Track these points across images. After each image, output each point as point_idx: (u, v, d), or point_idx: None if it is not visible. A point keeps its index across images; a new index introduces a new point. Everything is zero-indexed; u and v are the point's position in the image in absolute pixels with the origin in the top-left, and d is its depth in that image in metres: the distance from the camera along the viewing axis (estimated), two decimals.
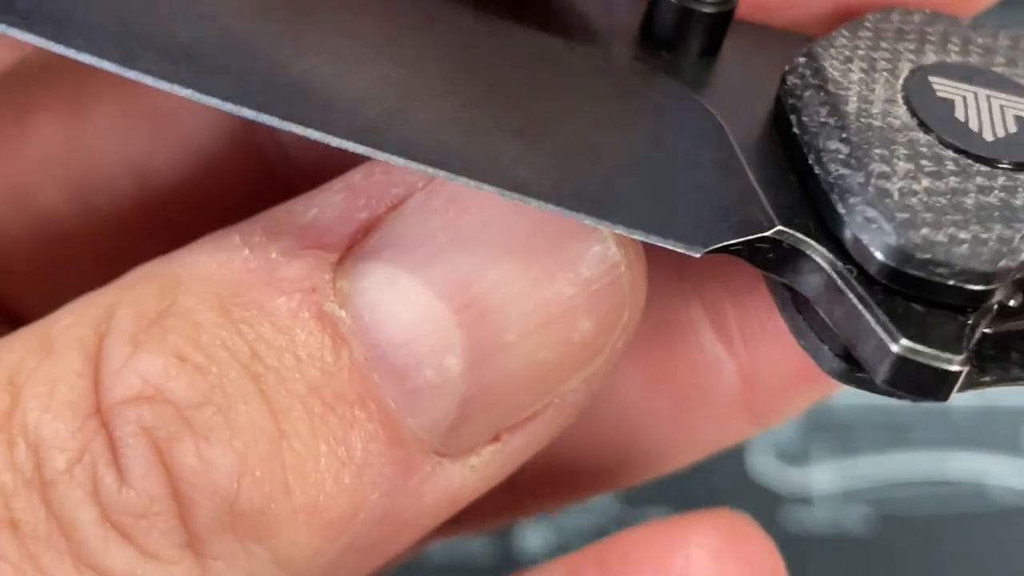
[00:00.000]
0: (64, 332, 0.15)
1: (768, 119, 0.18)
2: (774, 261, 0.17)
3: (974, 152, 0.18)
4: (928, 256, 0.16)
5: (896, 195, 0.17)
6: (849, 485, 0.47)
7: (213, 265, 0.15)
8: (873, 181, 0.17)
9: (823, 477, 0.47)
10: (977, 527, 0.46)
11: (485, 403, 0.15)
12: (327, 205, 0.15)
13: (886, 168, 0.17)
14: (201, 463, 0.14)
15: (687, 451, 0.22)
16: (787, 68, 0.18)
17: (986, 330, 0.17)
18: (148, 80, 0.15)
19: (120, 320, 0.15)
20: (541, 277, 0.15)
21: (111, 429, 0.14)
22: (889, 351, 0.16)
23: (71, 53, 0.15)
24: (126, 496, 0.14)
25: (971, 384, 0.17)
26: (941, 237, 0.16)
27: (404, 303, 0.15)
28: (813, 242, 0.17)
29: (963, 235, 0.17)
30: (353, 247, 0.15)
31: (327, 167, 0.20)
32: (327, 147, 0.19)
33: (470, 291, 0.15)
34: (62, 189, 0.20)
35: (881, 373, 0.16)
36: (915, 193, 0.17)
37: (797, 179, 0.17)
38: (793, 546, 0.46)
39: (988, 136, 0.18)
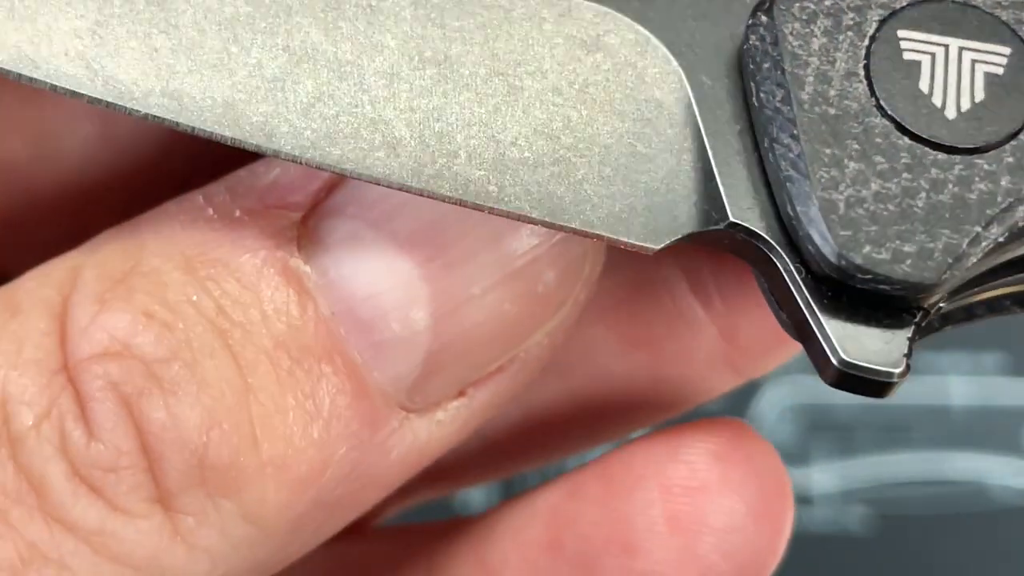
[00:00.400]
0: (29, 294, 0.15)
1: (732, 67, 0.17)
2: (732, 249, 0.17)
3: (932, 138, 0.17)
4: (869, 276, 0.16)
5: (842, 208, 0.16)
6: (849, 485, 0.47)
7: (177, 226, 0.15)
8: (819, 192, 0.16)
9: (823, 477, 0.47)
10: (977, 527, 0.46)
11: (451, 357, 0.15)
12: (290, 165, 0.15)
13: (835, 174, 0.17)
14: (169, 417, 0.14)
15: (667, 407, 0.22)
16: (749, 20, 0.17)
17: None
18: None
19: (85, 281, 0.15)
20: (504, 229, 0.14)
21: (78, 385, 0.14)
22: (831, 363, 0.17)
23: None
24: (95, 450, 0.14)
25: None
26: (884, 255, 0.16)
27: (369, 258, 0.14)
28: (766, 237, 0.17)
29: (908, 248, 0.16)
30: (317, 205, 0.15)
31: None
32: None
33: (434, 244, 0.15)
34: (25, 144, 0.20)
35: (825, 377, 0.17)
36: (862, 202, 0.17)
37: (756, 152, 0.17)
38: (793, 545, 0.46)
39: (951, 112, 0.17)
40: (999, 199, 0.17)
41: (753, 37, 0.17)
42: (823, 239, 0.16)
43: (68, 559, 0.14)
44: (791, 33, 0.17)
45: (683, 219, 0.16)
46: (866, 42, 0.17)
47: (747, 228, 0.17)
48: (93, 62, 0.14)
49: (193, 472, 0.14)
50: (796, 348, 0.22)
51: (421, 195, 0.14)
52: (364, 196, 0.15)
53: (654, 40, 0.17)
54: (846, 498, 0.46)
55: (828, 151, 0.17)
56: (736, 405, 0.46)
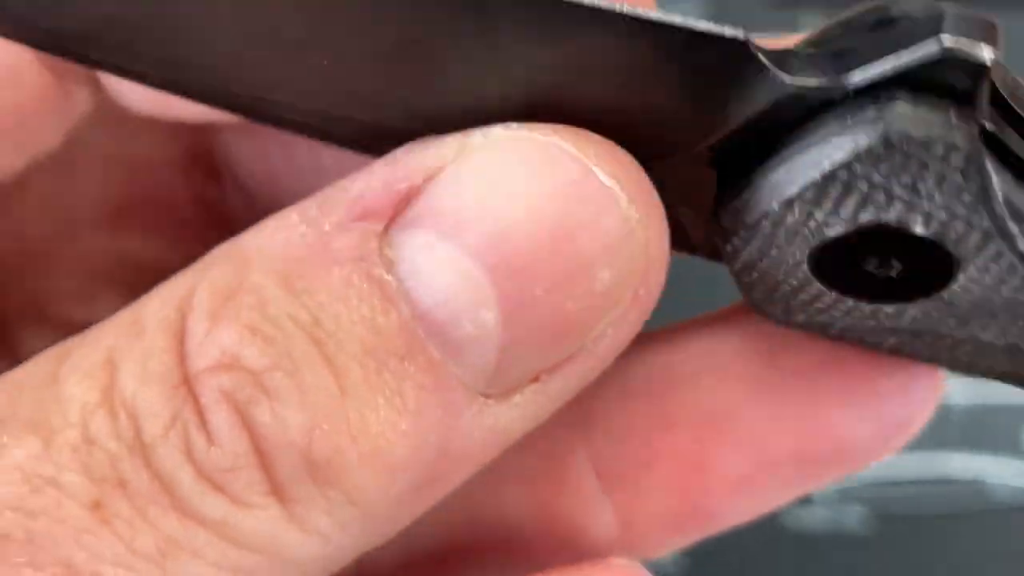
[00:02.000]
0: (152, 315, 0.17)
1: None
2: None
3: None
4: None
5: None
6: (848, 483, 0.47)
7: (276, 242, 0.17)
8: None
9: None
10: (976, 526, 0.46)
11: (521, 351, 0.17)
12: (372, 179, 0.17)
13: None
14: (276, 421, 0.17)
15: (554, 553, 0.24)
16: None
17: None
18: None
19: (200, 299, 0.17)
20: (561, 236, 0.17)
21: (198, 396, 0.17)
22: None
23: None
24: (215, 454, 0.16)
25: None
26: None
27: (441, 265, 0.17)
28: None
29: None
30: (395, 217, 0.17)
31: (278, 184, 0.23)
32: (279, 164, 0.22)
33: (500, 252, 0.17)
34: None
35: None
36: None
37: None
38: (792, 544, 0.46)
39: None
40: None
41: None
42: None
43: (200, 548, 0.16)
44: None
45: None
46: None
47: None
48: None
49: (300, 467, 0.16)
50: (688, 537, 0.24)
51: None
52: (436, 208, 0.17)
53: None
54: (845, 497, 0.46)
55: None
56: None
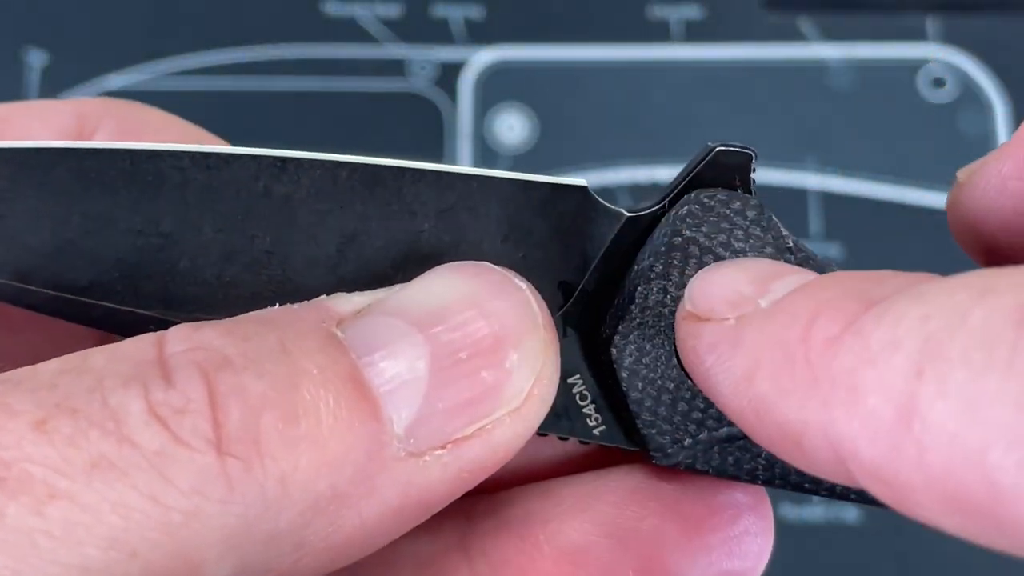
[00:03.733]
0: (128, 341, 0.20)
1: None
2: None
3: None
4: None
5: None
6: None
7: (252, 315, 0.21)
8: None
9: None
10: None
11: (440, 406, 0.20)
12: (331, 298, 0.21)
13: None
14: (236, 383, 0.19)
15: None
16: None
17: None
18: None
19: (179, 328, 0.20)
20: (485, 320, 0.21)
21: (166, 362, 0.19)
22: None
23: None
24: (170, 395, 0.18)
25: None
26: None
27: (385, 327, 0.20)
28: None
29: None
30: (352, 316, 0.21)
31: None
32: None
33: (435, 322, 0.20)
34: None
35: None
36: None
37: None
38: (791, 536, 0.47)
39: None
40: None
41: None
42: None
43: (129, 470, 0.17)
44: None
45: None
46: None
47: None
48: None
49: (249, 427, 0.18)
50: None
51: None
52: (385, 307, 0.21)
53: None
54: None
55: None
56: None
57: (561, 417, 0.23)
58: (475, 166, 0.50)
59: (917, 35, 0.53)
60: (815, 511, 0.47)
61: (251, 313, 0.21)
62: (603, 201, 0.23)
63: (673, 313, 0.22)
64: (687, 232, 0.23)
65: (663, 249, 0.23)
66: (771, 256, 0.22)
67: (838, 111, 0.52)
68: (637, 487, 0.24)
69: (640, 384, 0.23)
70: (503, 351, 0.21)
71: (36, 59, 0.51)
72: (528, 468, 0.26)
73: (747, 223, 0.23)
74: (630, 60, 0.52)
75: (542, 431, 0.23)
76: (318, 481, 0.19)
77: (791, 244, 0.23)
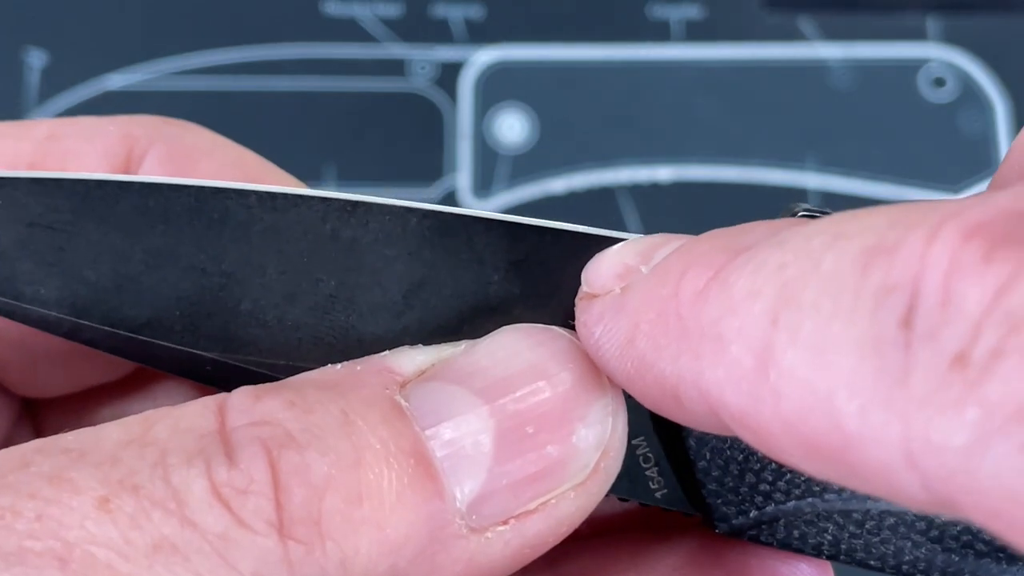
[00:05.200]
0: (192, 402, 0.19)
1: None
2: None
3: None
4: None
5: None
6: None
7: (314, 374, 0.20)
8: None
9: None
10: None
11: (504, 481, 0.20)
12: (395, 354, 0.21)
13: None
14: (301, 461, 0.18)
15: None
16: None
17: None
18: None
19: (242, 392, 0.19)
20: (555, 392, 0.20)
21: (229, 438, 0.18)
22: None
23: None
24: (233, 475, 0.18)
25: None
26: None
27: (450, 397, 0.20)
28: None
29: None
30: (415, 379, 0.20)
31: None
32: None
33: (501, 393, 0.20)
34: None
35: None
36: None
37: None
38: None
39: None
40: None
41: None
42: None
43: (191, 554, 0.17)
44: None
45: None
46: None
47: None
48: None
49: (312, 509, 0.18)
50: None
51: None
52: (449, 370, 0.20)
53: None
54: None
55: None
56: None
57: (623, 478, 0.22)
58: (475, 165, 0.50)
59: (917, 35, 0.53)
60: None
61: (313, 375, 0.20)
62: None
63: None
64: None
65: None
66: None
67: (838, 111, 0.51)
68: (697, 553, 0.24)
69: (708, 453, 0.22)
70: (570, 424, 0.20)
71: (36, 59, 0.51)
72: (588, 519, 0.26)
73: None
74: (630, 60, 0.52)
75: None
76: (379, 563, 0.18)
77: None
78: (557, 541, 0.21)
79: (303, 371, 0.21)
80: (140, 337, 0.22)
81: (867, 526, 0.22)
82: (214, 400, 0.19)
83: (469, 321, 0.22)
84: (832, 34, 0.53)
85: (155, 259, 0.22)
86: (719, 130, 0.51)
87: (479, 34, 0.52)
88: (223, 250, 0.22)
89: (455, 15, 0.53)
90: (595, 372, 0.20)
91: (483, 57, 0.52)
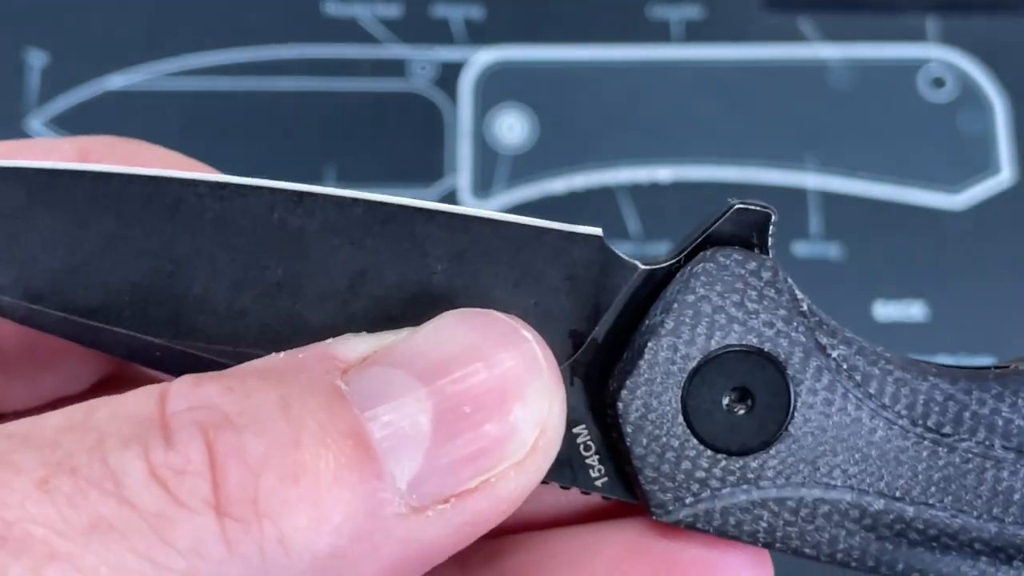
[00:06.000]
0: (135, 391, 0.20)
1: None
2: None
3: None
4: None
5: None
6: None
7: (256, 362, 0.21)
8: None
9: None
10: None
11: (442, 461, 0.20)
12: (338, 342, 0.21)
13: None
14: (237, 443, 0.19)
15: None
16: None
17: None
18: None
19: (182, 378, 0.20)
20: (490, 372, 0.21)
21: (168, 423, 0.19)
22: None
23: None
24: (170, 456, 0.18)
25: None
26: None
27: (390, 380, 0.20)
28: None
29: None
30: (357, 365, 0.21)
31: None
32: None
33: (440, 375, 0.20)
34: None
35: None
36: None
37: None
38: None
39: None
40: None
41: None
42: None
43: (128, 532, 0.18)
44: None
45: None
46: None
47: None
48: None
49: (248, 489, 0.18)
50: None
51: None
52: (392, 355, 0.21)
53: None
54: None
55: None
56: None
57: (564, 466, 0.23)
58: (475, 165, 0.50)
59: (917, 35, 0.53)
60: None
61: (256, 363, 0.21)
62: (618, 252, 0.23)
63: (682, 371, 0.22)
64: (700, 290, 0.22)
65: (675, 306, 0.23)
66: (784, 319, 0.22)
67: (838, 111, 0.52)
68: (634, 544, 0.24)
69: (645, 440, 0.23)
70: (508, 404, 0.21)
71: (36, 59, 0.51)
72: (529, 515, 0.26)
73: (761, 284, 0.23)
74: (630, 60, 0.52)
75: (545, 480, 0.22)
76: (317, 541, 0.19)
77: (805, 308, 0.23)
78: (499, 520, 0.21)
79: (250, 358, 0.21)
80: (91, 322, 0.22)
81: (801, 514, 0.23)
82: (156, 388, 0.19)
83: (413, 309, 0.22)
84: (832, 34, 0.53)
85: (107, 246, 0.22)
86: (719, 130, 0.51)
87: (479, 34, 0.53)
88: (173, 238, 0.22)
89: (455, 15, 0.53)
90: (533, 357, 0.21)
91: (483, 57, 0.52)
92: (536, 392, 0.21)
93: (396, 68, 0.51)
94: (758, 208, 0.23)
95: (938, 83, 0.52)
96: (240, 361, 0.21)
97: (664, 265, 0.23)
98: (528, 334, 0.21)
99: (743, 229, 0.23)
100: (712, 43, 0.53)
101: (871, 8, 0.53)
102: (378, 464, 0.19)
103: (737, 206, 0.23)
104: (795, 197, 0.50)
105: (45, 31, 0.52)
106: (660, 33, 0.53)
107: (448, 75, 0.51)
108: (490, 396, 0.20)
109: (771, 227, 0.23)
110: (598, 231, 0.23)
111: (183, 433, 0.18)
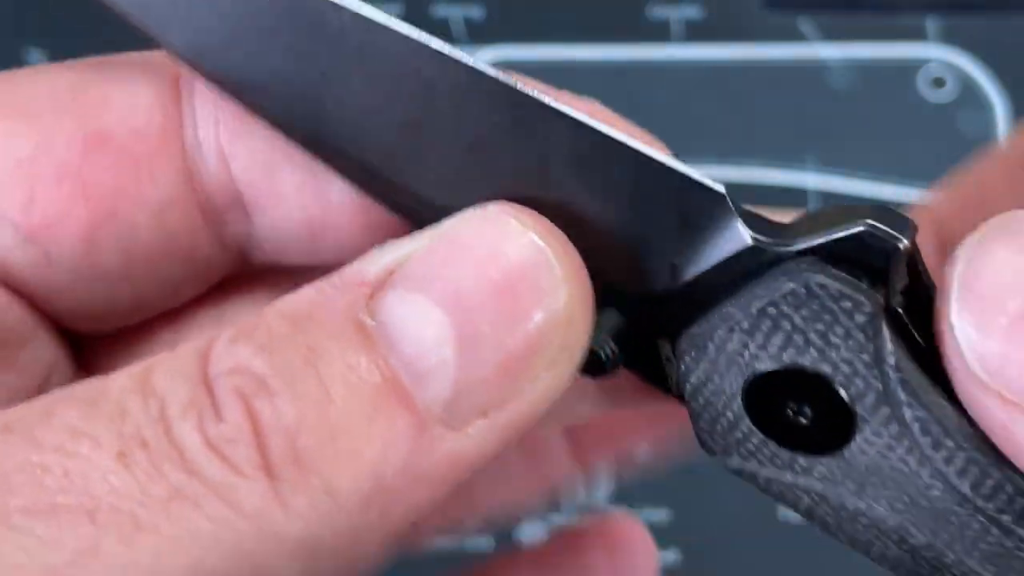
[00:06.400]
0: (186, 345, 0.21)
1: None
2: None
3: None
4: None
5: None
6: None
7: (288, 301, 0.21)
8: None
9: None
10: None
11: (473, 383, 0.21)
12: (366, 260, 0.22)
13: None
14: (273, 410, 0.20)
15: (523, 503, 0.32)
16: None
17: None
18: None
19: (225, 334, 0.21)
20: (503, 285, 0.21)
21: (213, 389, 0.20)
22: None
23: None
24: (222, 428, 0.20)
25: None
26: None
27: (412, 312, 0.21)
28: None
29: None
30: (380, 286, 0.21)
31: (293, 258, 0.26)
32: (293, 241, 0.26)
33: (456, 299, 0.21)
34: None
35: None
36: None
37: None
38: (791, 536, 0.47)
39: None
40: None
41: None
42: None
43: (200, 500, 0.19)
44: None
45: None
46: None
47: None
48: None
49: (288, 451, 0.20)
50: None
51: None
52: (411, 273, 0.21)
53: None
54: None
55: None
56: None
57: (647, 365, 0.24)
58: None
59: (917, 35, 0.53)
60: None
61: (288, 303, 0.21)
62: (736, 216, 0.22)
63: (748, 367, 0.22)
64: (785, 309, 0.21)
65: (755, 312, 0.22)
66: (865, 364, 0.21)
67: (838, 111, 0.52)
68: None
69: (702, 400, 0.23)
70: (527, 312, 0.21)
71: (36, 59, 0.51)
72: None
73: (852, 324, 0.21)
74: (630, 60, 0.52)
75: (636, 371, 0.24)
76: (362, 485, 0.20)
77: (893, 361, 0.21)
78: (537, 419, 0.22)
79: (371, 171, 0.23)
80: (241, 93, 0.24)
81: (843, 514, 0.23)
82: (199, 347, 0.21)
83: (517, 187, 0.23)
84: (832, 34, 0.53)
85: (262, 31, 0.23)
86: (719, 130, 0.51)
87: (479, 34, 0.52)
88: (317, 50, 0.23)
89: (455, 15, 0.53)
90: (543, 256, 0.21)
91: (484, 57, 0.52)
92: (552, 292, 0.21)
93: None
94: (888, 236, 0.21)
95: (938, 83, 0.52)
96: (363, 171, 0.23)
97: (772, 250, 0.22)
98: (536, 236, 0.21)
99: (864, 253, 0.21)
100: (712, 43, 0.53)
101: (871, 8, 0.53)
102: (410, 399, 0.20)
103: (868, 228, 0.21)
104: (795, 197, 0.50)
105: (45, 31, 0.52)
106: (660, 33, 0.53)
107: None
108: (507, 307, 0.21)
109: (895, 263, 0.21)
110: (723, 189, 0.22)
111: (227, 403, 0.20)
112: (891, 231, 0.21)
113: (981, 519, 0.21)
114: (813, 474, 0.22)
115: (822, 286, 0.21)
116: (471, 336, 0.21)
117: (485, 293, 0.21)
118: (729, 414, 0.23)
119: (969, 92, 0.52)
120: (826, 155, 0.51)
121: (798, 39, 0.53)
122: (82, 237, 0.24)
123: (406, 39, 0.23)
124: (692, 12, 0.53)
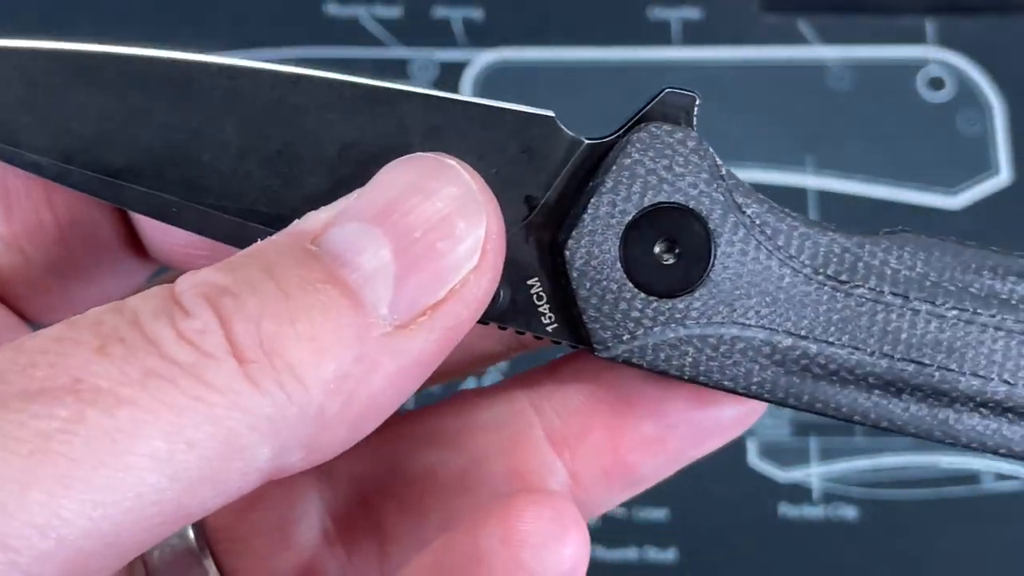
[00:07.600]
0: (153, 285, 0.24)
1: None
2: None
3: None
4: None
5: None
6: (843, 474, 0.47)
7: (255, 245, 0.24)
8: None
9: (819, 468, 0.48)
10: (969, 515, 0.47)
11: (411, 282, 0.24)
12: (305, 219, 0.25)
13: None
14: (235, 303, 0.22)
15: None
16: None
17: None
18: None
19: (187, 274, 0.24)
20: (428, 199, 0.24)
21: (180, 300, 0.23)
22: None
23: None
24: (190, 322, 0.22)
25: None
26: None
27: (351, 233, 0.24)
28: None
29: None
30: (323, 231, 0.24)
31: None
32: None
33: (389, 214, 0.24)
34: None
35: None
36: None
37: None
38: (790, 535, 0.47)
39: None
40: None
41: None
42: None
43: (175, 378, 0.21)
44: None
45: None
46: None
47: None
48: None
49: (254, 336, 0.22)
50: (624, 490, 0.31)
51: None
52: (348, 209, 0.24)
53: None
54: (841, 486, 0.47)
55: None
56: None
57: (520, 313, 0.27)
58: None
59: (915, 37, 0.53)
60: (815, 510, 0.47)
61: (240, 252, 0.24)
62: (567, 130, 0.27)
63: (620, 224, 0.26)
64: (635, 155, 0.27)
65: (614, 168, 0.27)
66: (705, 181, 0.26)
67: (837, 112, 0.52)
68: (590, 392, 0.30)
69: (588, 284, 0.27)
70: (451, 221, 0.24)
71: None
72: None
73: (687, 151, 0.27)
74: (630, 61, 0.52)
75: (504, 324, 0.27)
76: (324, 367, 0.22)
77: (723, 172, 0.26)
78: (473, 322, 0.25)
79: (254, 213, 0.26)
80: (116, 181, 0.26)
81: (721, 350, 0.27)
82: (167, 285, 0.23)
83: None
84: (831, 36, 0.53)
85: (131, 117, 0.26)
86: (718, 131, 0.51)
87: (479, 36, 0.53)
88: (188, 110, 0.26)
89: (455, 16, 0.53)
90: (460, 179, 0.25)
91: (484, 58, 0.52)
92: (471, 205, 0.24)
93: (397, 69, 0.52)
94: (685, 92, 0.27)
95: (937, 84, 0.52)
96: (244, 216, 0.26)
97: (606, 139, 0.27)
98: (452, 161, 0.25)
99: (673, 110, 0.27)
100: (712, 44, 0.53)
101: (870, 10, 0.53)
102: (357, 298, 0.23)
103: (668, 90, 0.27)
104: (795, 197, 0.50)
105: (44, 30, 0.52)
106: (660, 34, 0.53)
107: (449, 76, 0.52)
108: (434, 218, 0.24)
109: (695, 108, 0.27)
110: (551, 113, 0.27)
111: (194, 304, 0.22)
112: (686, 89, 0.27)
113: (826, 288, 0.27)
114: (691, 315, 0.27)
115: (657, 128, 0.27)
116: (405, 241, 0.24)
117: (413, 207, 0.24)
118: (613, 285, 0.27)
119: (967, 93, 0.52)
120: (825, 156, 0.51)
121: (797, 41, 0.53)
122: (55, 239, 0.29)
123: (269, 73, 0.26)
124: (692, 14, 0.53)
